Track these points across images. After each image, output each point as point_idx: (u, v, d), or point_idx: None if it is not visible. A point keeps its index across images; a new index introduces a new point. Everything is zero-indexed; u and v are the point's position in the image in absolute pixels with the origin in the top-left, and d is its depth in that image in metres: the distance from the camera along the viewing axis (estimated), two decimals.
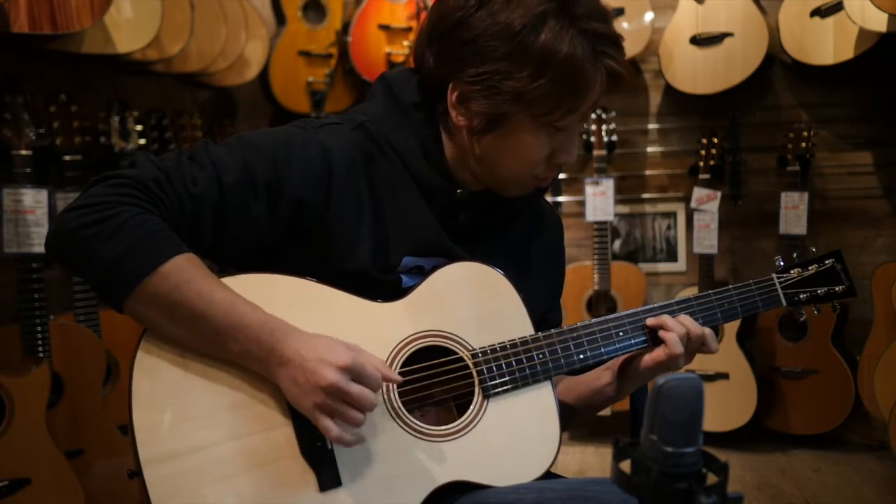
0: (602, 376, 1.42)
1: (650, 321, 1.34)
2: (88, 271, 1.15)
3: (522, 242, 1.45)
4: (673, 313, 1.37)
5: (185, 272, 1.14)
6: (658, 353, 1.32)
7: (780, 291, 1.44)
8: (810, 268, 1.47)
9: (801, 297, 1.45)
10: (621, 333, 1.34)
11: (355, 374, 1.11)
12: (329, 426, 1.11)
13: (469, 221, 1.36)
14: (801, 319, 1.53)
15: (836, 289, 1.47)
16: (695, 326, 1.34)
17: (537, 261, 1.46)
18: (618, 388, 1.41)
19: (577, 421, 1.50)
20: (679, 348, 1.31)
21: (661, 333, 1.33)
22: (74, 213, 1.14)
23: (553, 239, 1.52)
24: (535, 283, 1.44)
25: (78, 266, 1.17)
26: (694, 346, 1.34)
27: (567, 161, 1.31)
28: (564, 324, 1.36)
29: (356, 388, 1.11)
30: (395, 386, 1.22)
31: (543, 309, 1.46)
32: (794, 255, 1.50)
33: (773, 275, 1.46)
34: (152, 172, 1.18)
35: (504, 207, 1.39)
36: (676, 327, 1.32)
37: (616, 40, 1.24)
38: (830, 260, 1.47)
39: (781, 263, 1.48)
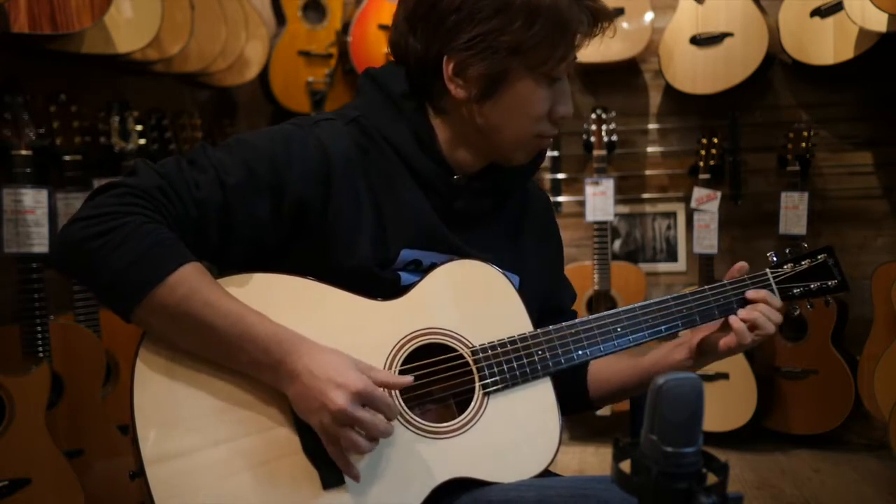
0: (675, 353, 1.44)
1: (750, 294, 1.40)
2: (96, 283, 1.15)
3: (517, 223, 1.46)
4: (668, 309, 1.38)
5: (192, 282, 1.14)
6: (730, 340, 1.38)
7: (774, 286, 1.46)
8: (803, 263, 1.49)
9: (795, 291, 1.47)
10: (619, 329, 1.35)
11: (367, 401, 1.11)
12: (333, 450, 1.13)
13: (466, 207, 1.36)
14: (796, 314, 1.55)
15: (829, 283, 1.49)
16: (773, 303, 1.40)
17: (533, 238, 1.48)
18: (696, 363, 1.44)
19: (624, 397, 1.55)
20: (748, 338, 1.37)
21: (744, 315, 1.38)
22: (79, 225, 1.14)
23: (544, 214, 1.53)
24: (537, 259, 1.46)
25: (85, 278, 1.17)
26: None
27: (566, 113, 1.34)
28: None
29: (364, 416, 1.11)
30: None
31: (548, 283, 1.48)
32: (787, 250, 1.52)
33: (767, 270, 1.47)
34: (154, 180, 1.18)
35: (499, 189, 1.40)
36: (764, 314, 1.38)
37: None
38: (823, 255, 1.49)
39: (775, 259, 1.49)
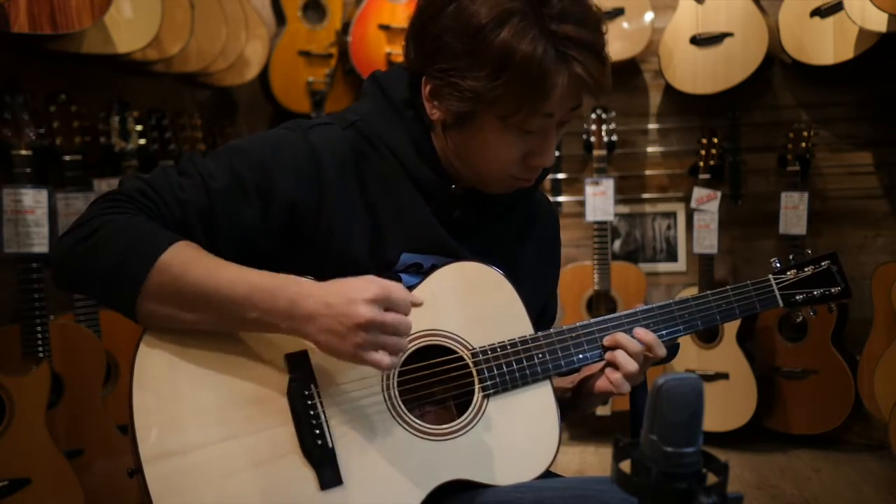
0: (563, 382, 1.42)
1: (607, 341, 1.32)
2: (93, 286, 1.16)
3: (519, 235, 1.45)
4: (672, 314, 1.37)
5: (184, 256, 1.14)
6: (609, 379, 1.31)
7: (777, 293, 1.45)
8: (806, 269, 1.48)
9: (798, 298, 1.46)
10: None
11: (385, 302, 1.11)
12: (378, 359, 1.10)
13: (465, 216, 1.35)
14: (798, 320, 1.53)
15: (832, 290, 1.48)
16: (639, 343, 1.32)
17: (534, 254, 1.47)
18: (573, 404, 1.41)
19: None
20: (633, 366, 1.30)
21: (615, 354, 1.31)
22: (68, 237, 1.16)
23: (549, 230, 1.52)
24: (533, 276, 1.44)
25: (84, 285, 1.18)
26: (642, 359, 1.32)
27: (541, 165, 1.29)
28: (564, 323, 1.36)
29: (391, 317, 1.11)
30: (395, 385, 1.23)
31: (542, 300, 1.47)
32: (791, 256, 1.51)
33: (770, 276, 1.47)
34: (137, 185, 1.19)
35: (499, 202, 1.38)
36: (631, 345, 1.31)
37: (590, 46, 1.19)
38: (826, 262, 1.48)
39: (778, 265, 1.49)
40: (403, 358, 1.14)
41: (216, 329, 1.17)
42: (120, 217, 1.15)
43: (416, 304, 1.17)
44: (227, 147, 1.27)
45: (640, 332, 1.33)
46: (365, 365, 1.12)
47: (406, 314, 1.13)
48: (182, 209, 1.18)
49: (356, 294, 1.10)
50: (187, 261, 1.13)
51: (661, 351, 1.33)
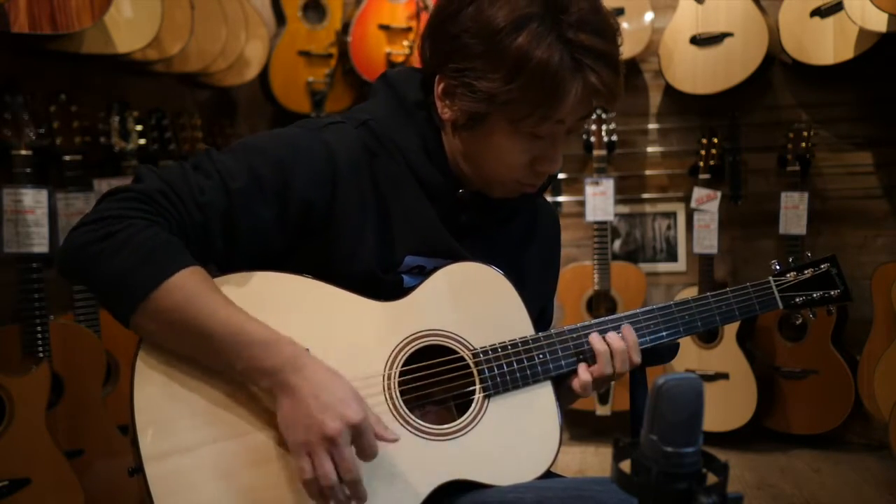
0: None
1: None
2: (96, 287, 1.15)
3: (522, 239, 1.46)
4: (672, 316, 1.38)
5: (189, 287, 1.12)
6: (588, 374, 1.31)
7: (776, 295, 1.46)
8: (806, 271, 1.49)
9: (798, 300, 1.47)
10: None
11: (358, 436, 1.09)
12: (304, 468, 1.08)
13: (471, 220, 1.36)
14: (798, 322, 1.55)
15: (832, 293, 1.49)
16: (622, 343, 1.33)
17: (536, 258, 1.47)
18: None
19: None
20: (608, 369, 1.31)
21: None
22: (82, 230, 1.14)
23: (550, 231, 1.52)
24: (535, 279, 1.45)
25: (86, 282, 1.17)
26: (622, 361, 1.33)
27: (548, 172, 1.29)
28: (564, 324, 1.36)
29: (345, 454, 1.08)
30: (396, 385, 1.23)
31: (543, 302, 1.47)
32: (791, 258, 1.52)
33: (770, 278, 1.47)
34: (158, 184, 1.17)
35: (504, 206, 1.39)
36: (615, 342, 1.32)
37: (605, 56, 1.19)
38: (826, 264, 1.50)
39: (777, 267, 1.50)
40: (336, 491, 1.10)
41: (197, 359, 1.16)
42: (138, 223, 1.13)
43: (390, 440, 1.15)
44: (243, 144, 1.26)
45: (611, 336, 1.33)
46: (295, 460, 1.10)
47: (367, 459, 1.11)
48: (202, 213, 1.18)
49: (343, 409, 1.08)
50: (190, 293, 1.12)
51: (636, 357, 1.33)
